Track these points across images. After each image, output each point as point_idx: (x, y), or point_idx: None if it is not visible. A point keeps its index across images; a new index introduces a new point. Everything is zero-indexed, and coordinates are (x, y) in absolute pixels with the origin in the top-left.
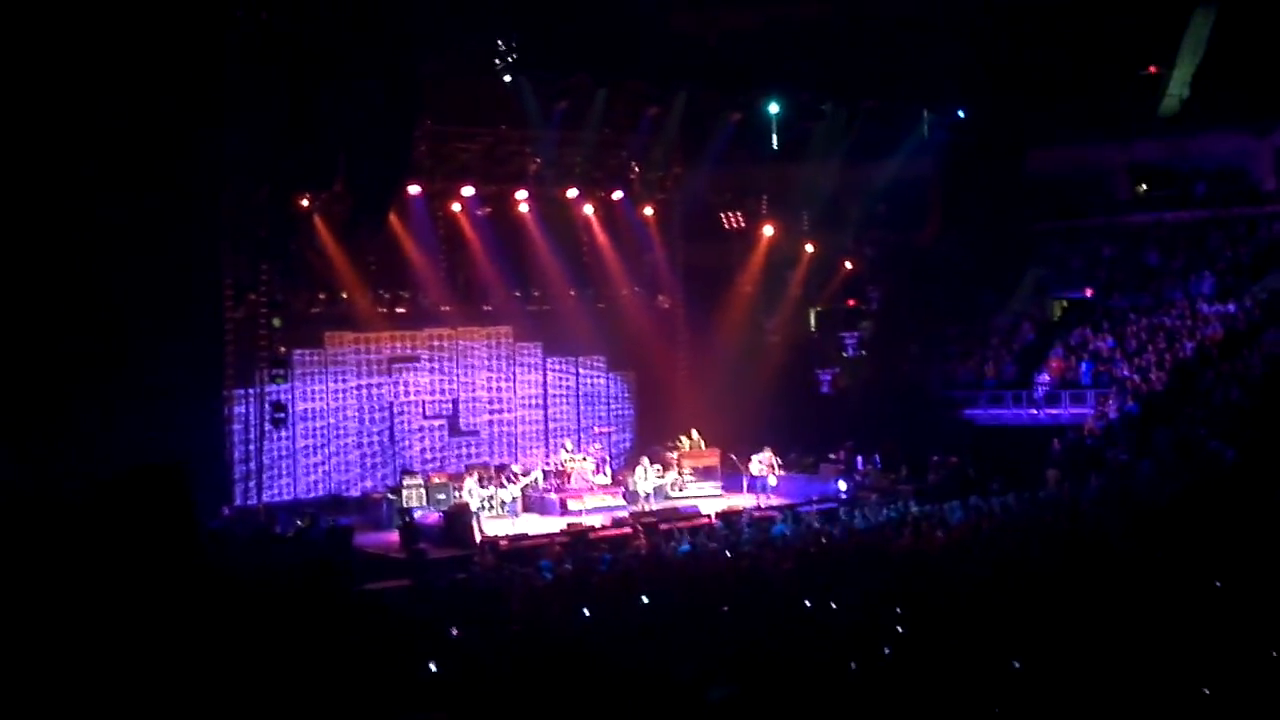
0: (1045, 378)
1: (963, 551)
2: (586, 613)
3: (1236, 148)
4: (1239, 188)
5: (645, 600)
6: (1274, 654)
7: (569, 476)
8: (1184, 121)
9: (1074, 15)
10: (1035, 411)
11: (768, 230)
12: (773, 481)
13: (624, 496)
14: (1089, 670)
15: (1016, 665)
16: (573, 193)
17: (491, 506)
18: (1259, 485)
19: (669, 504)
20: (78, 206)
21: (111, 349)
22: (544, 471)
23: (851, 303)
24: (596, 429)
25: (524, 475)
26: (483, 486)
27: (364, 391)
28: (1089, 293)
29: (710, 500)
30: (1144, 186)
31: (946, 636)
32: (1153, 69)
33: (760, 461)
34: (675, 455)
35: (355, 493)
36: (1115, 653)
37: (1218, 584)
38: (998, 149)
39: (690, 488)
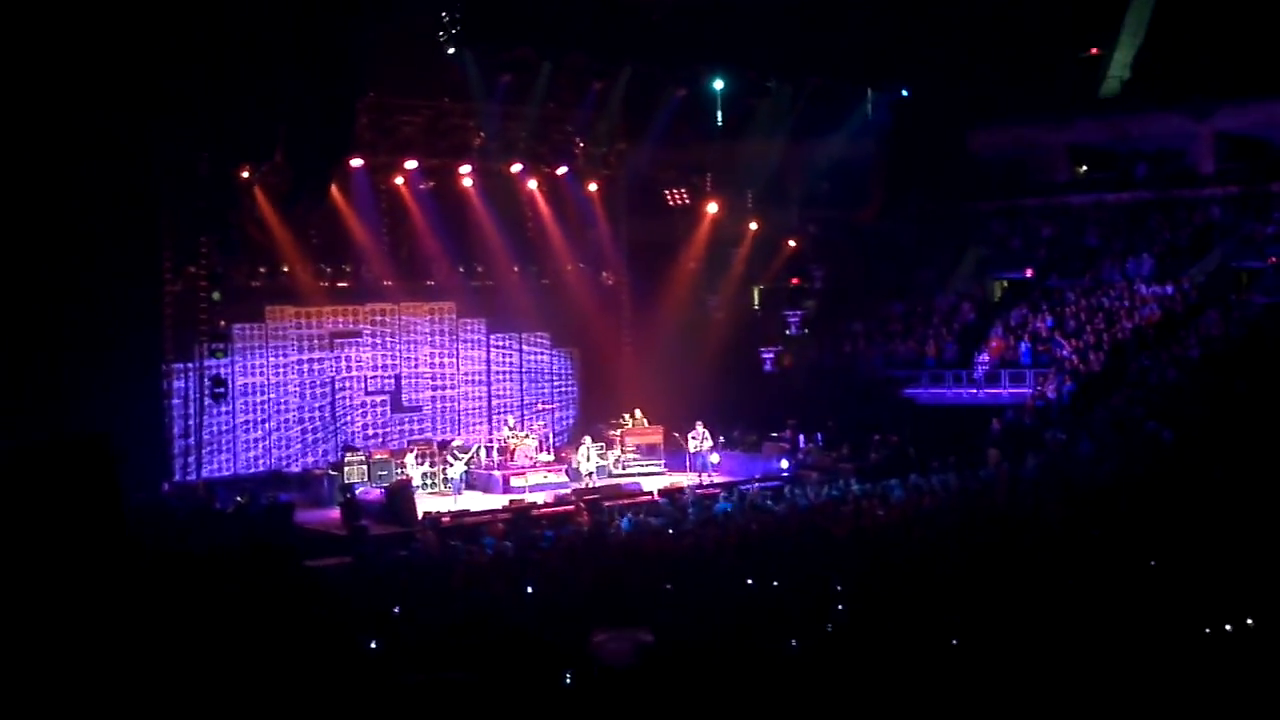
0: (985, 357)
1: (903, 530)
2: (529, 590)
3: (1176, 130)
4: (1178, 170)
5: (589, 578)
6: (1206, 631)
7: (512, 453)
8: (1124, 103)
9: None
10: (975, 391)
11: (712, 207)
12: (714, 459)
13: (567, 474)
14: (1026, 647)
15: (955, 642)
16: (517, 167)
17: (433, 483)
18: (1195, 466)
19: (612, 481)
20: (13, 178)
21: (47, 321)
22: (486, 448)
23: (795, 281)
24: (539, 406)
25: (466, 452)
26: (421, 463)
27: (305, 366)
28: (1029, 273)
29: (653, 478)
30: (1084, 168)
31: (886, 614)
32: (1094, 50)
33: (695, 438)
34: (619, 433)
35: (296, 469)
36: (1052, 630)
37: (1152, 563)
38: (940, 128)
39: (633, 465)
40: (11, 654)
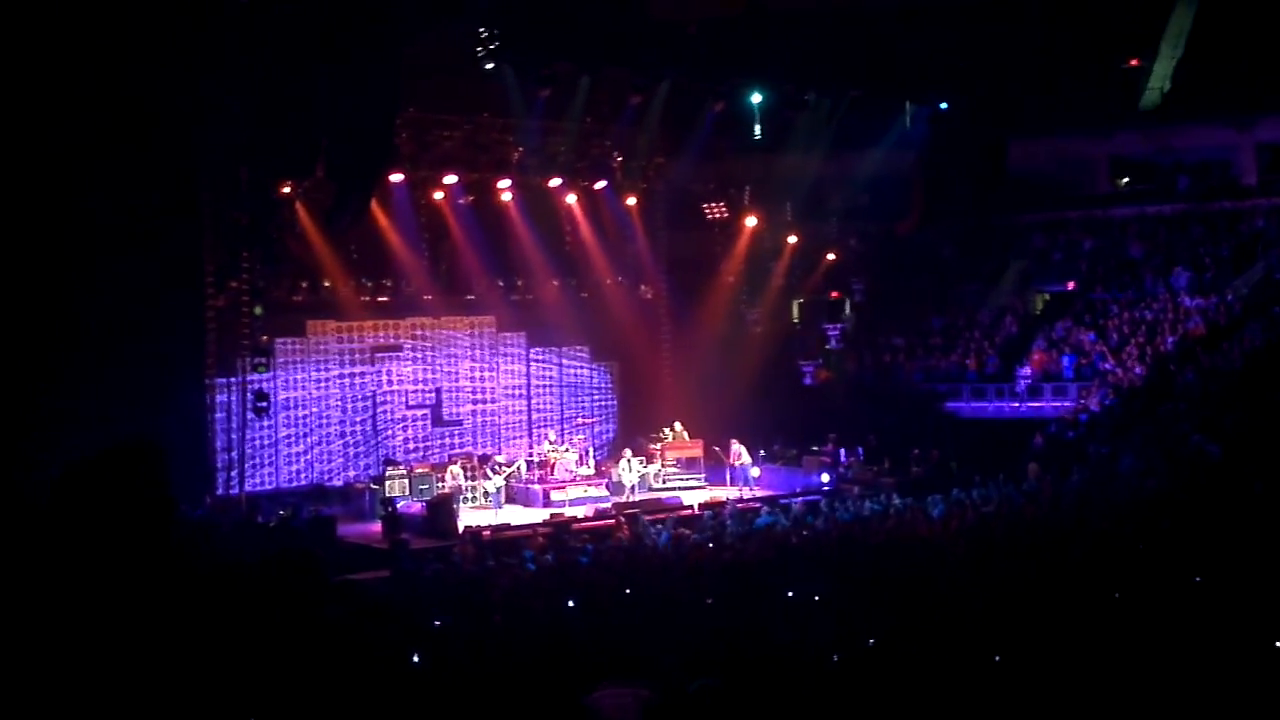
0: (1027, 370)
1: (944, 545)
2: (570, 604)
3: (1218, 141)
4: (1221, 182)
5: (628, 592)
6: (1256, 648)
7: (552, 467)
8: (1165, 115)
9: (1056, 8)
10: (1017, 405)
11: (750, 221)
12: (756, 473)
13: (607, 487)
14: (1071, 664)
15: (998, 659)
16: (555, 182)
17: (474, 497)
18: (1240, 480)
19: (652, 495)
20: (58, 194)
21: (92, 337)
22: (527, 462)
23: (834, 294)
24: (580, 420)
25: (507, 466)
26: (467, 476)
27: (346, 381)
28: (1071, 285)
29: (694, 492)
30: (1125, 180)
31: (928, 629)
32: (1134, 62)
33: (736, 452)
34: (659, 446)
35: (338, 482)
36: (1097, 647)
37: (1197, 579)
38: (980, 141)
39: (674, 479)
40: (56, 662)
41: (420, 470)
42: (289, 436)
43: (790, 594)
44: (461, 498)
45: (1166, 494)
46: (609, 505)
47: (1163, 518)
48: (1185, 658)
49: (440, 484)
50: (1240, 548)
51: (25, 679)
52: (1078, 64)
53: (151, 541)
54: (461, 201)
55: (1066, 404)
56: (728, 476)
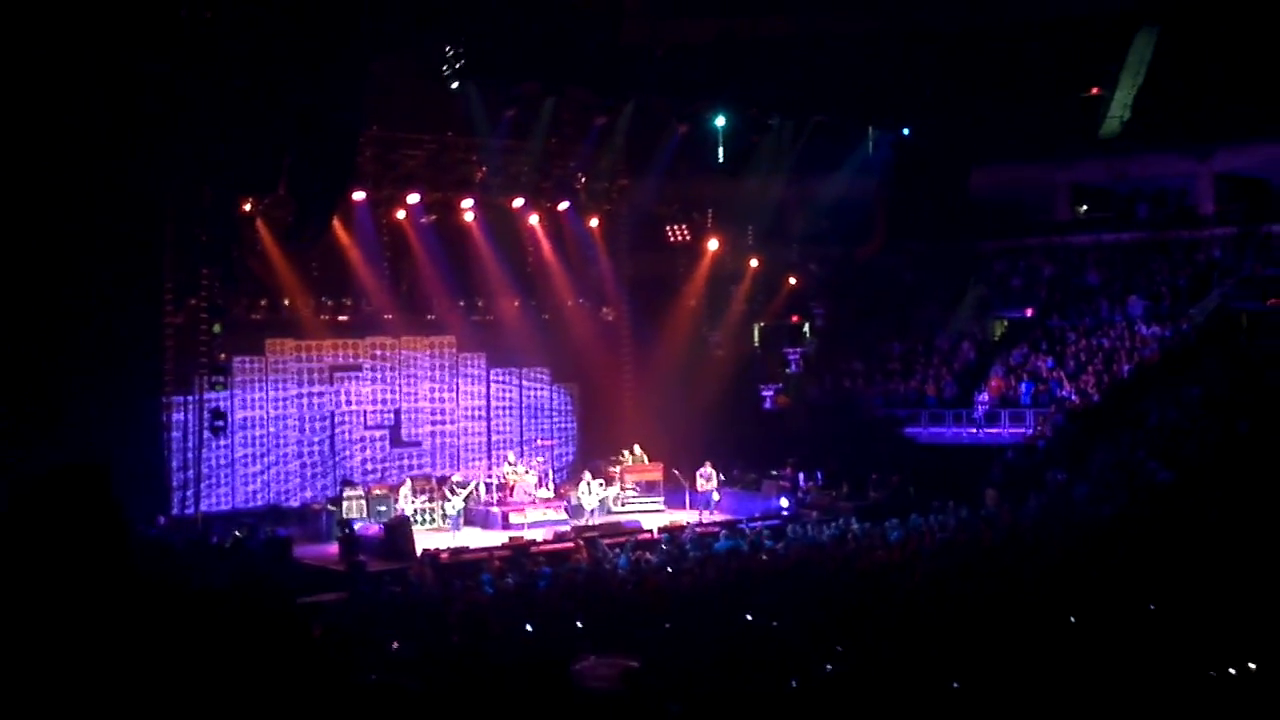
0: (985, 397)
1: (903, 569)
2: (529, 628)
3: (1177, 170)
4: (1178, 210)
5: (586, 616)
6: (1209, 674)
7: (511, 489)
8: (1125, 144)
9: (1017, 36)
10: (975, 430)
11: (713, 244)
12: (716, 497)
13: (566, 510)
14: (1027, 690)
15: (955, 685)
16: (518, 202)
17: (428, 518)
18: (1194, 507)
19: (611, 518)
20: (16, 208)
21: (50, 352)
22: (486, 484)
23: (795, 319)
24: (539, 441)
25: (462, 487)
26: (418, 497)
27: (305, 400)
28: (1029, 312)
29: (653, 515)
30: (1084, 207)
31: (886, 654)
32: (1095, 90)
33: (703, 477)
34: (618, 469)
35: (295, 503)
36: (1052, 672)
37: (1151, 606)
38: (942, 167)
39: (633, 502)
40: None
41: (378, 491)
42: (246, 456)
43: (749, 618)
44: (414, 519)
45: (1122, 520)
46: (568, 528)
47: (1118, 544)
48: (1138, 683)
49: (397, 505)
50: (1194, 575)
51: None
52: (1039, 92)
53: (105, 564)
54: (424, 220)
55: (1024, 430)
56: (687, 500)
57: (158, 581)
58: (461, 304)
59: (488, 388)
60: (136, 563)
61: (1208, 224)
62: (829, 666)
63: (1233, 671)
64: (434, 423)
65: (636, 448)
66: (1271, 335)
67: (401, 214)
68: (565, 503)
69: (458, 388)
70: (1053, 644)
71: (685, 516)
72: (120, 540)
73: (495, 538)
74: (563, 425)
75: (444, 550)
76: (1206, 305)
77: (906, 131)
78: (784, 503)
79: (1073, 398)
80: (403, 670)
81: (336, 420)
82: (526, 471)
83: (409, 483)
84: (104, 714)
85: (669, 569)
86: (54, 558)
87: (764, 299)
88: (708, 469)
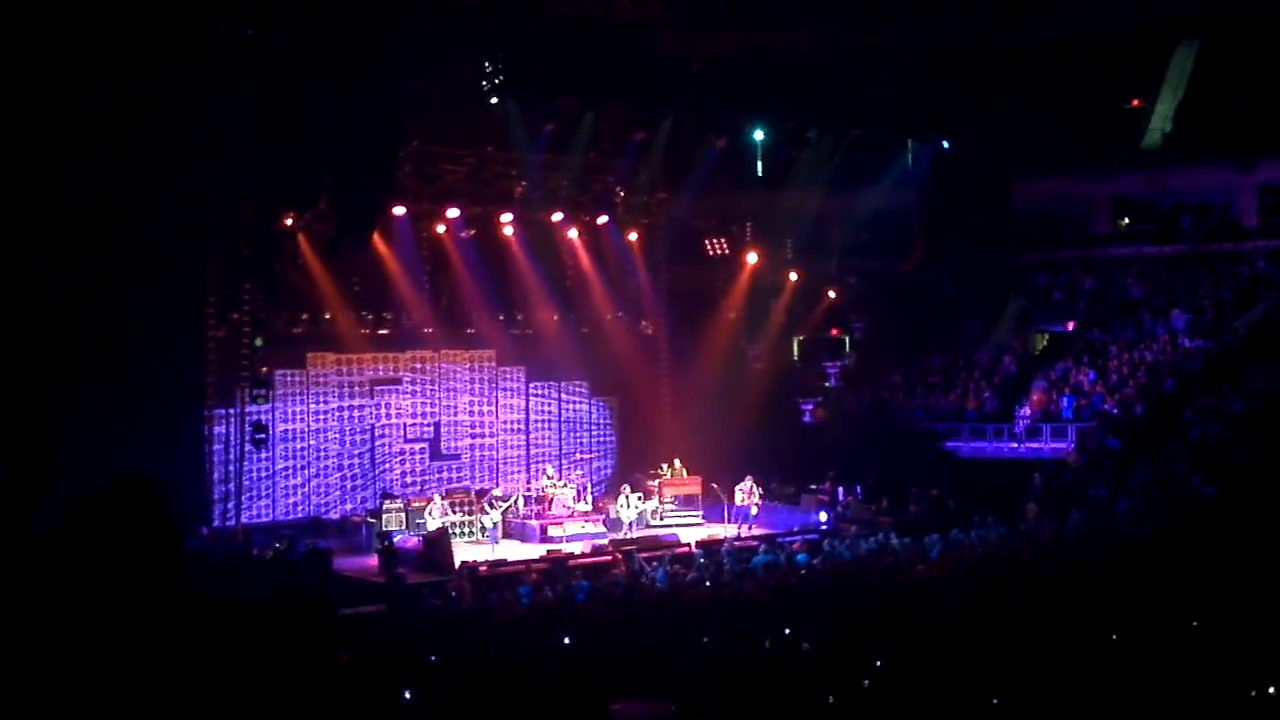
0: (1026, 410)
1: (942, 584)
2: (566, 640)
3: (1219, 183)
4: (1221, 223)
5: (625, 629)
6: (1250, 693)
7: (550, 503)
8: (1167, 156)
9: (1058, 49)
10: (1016, 445)
11: (751, 257)
12: (754, 511)
13: (605, 524)
14: (1068, 706)
15: (995, 701)
16: (557, 216)
17: (464, 532)
18: (1237, 522)
19: (649, 532)
20: (60, 223)
21: (92, 366)
22: (525, 497)
23: (834, 332)
24: (578, 455)
25: (503, 500)
26: (453, 511)
27: (345, 413)
28: (1071, 326)
29: (691, 529)
30: (1126, 220)
31: (925, 670)
32: (1136, 103)
33: (742, 491)
34: (657, 483)
35: (335, 515)
36: (1094, 689)
37: (1194, 623)
38: (982, 180)
39: (671, 516)
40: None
41: (417, 504)
42: (286, 469)
43: (787, 633)
44: (450, 532)
45: (1163, 536)
46: (606, 541)
47: (1159, 560)
48: (1180, 701)
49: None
50: (1237, 592)
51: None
52: (1080, 104)
53: (159, 577)
54: (463, 235)
55: (1066, 444)
56: (726, 514)
57: (199, 597)
58: (501, 318)
59: (527, 401)
60: (182, 579)
61: (1251, 236)
62: (866, 682)
63: (1274, 691)
64: (473, 436)
65: (676, 461)
66: None
67: (441, 228)
68: (604, 516)
69: (497, 401)
70: (1094, 660)
71: (724, 531)
72: (174, 554)
73: (533, 551)
74: (602, 439)
75: (482, 563)
76: (1250, 318)
77: (946, 144)
78: (823, 517)
79: (1115, 412)
80: (440, 682)
81: (376, 433)
82: (565, 485)
83: (436, 499)
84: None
85: (707, 583)
86: (111, 573)
87: (803, 312)
88: (747, 483)
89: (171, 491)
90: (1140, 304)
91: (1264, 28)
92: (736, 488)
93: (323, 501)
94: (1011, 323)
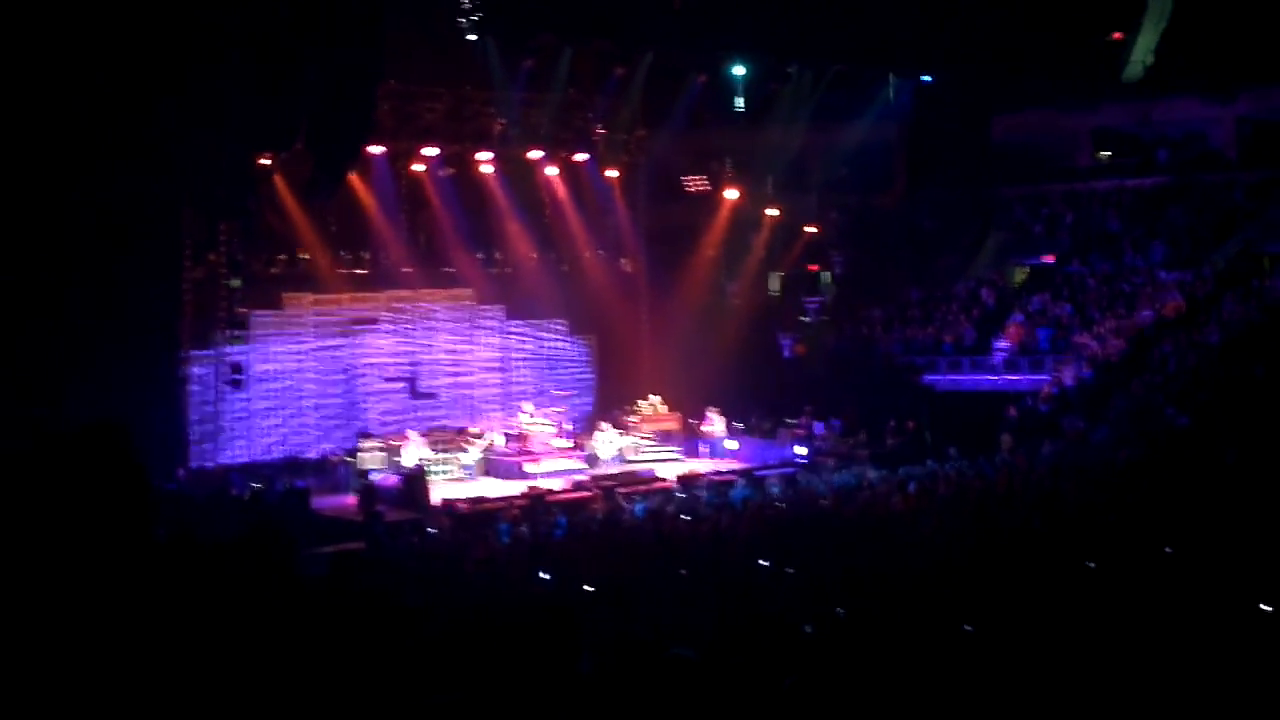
0: (1004, 344)
1: (918, 516)
2: (545, 576)
3: (1200, 115)
4: (1200, 154)
5: (604, 564)
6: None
7: (528, 440)
8: (1148, 88)
9: None
10: (994, 378)
11: (731, 194)
12: (732, 445)
13: (583, 460)
14: (1040, 635)
15: (969, 629)
16: (536, 154)
17: (439, 469)
18: (1210, 452)
19: (628, 468)
20: (34, 164)
21: (68, 307)
22: (504, 435)
23: (814, 268)
24: (557, 392)
25: (482, 438)
26: (435, 450)
27: (323, 353)
28: (1050, 259)
29: (670, 464)
30: (1107, 153)
31: (900, 600)
32: (1118, 35)
33: (708, 424)
34: (635, 419)
35: (313, 455)
36: (1066, 616)
37: (1168, 549)
38: (963, 114)
39: (650, 452)
40: (23, 645)
41: (395, 443)
42: (264, 409)
43: (764, 565)
44: (428, 470)
45: (1138, 465)
46: (585, 478)
47: (1134, 489)
48: (1156, 627)
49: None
50: (1211, 517)
51: None
52: (1061, 37)
53: (126, 521)
54: (442, 174)
55: (1043, 377)
56: (698, 448)
57: (176, 536)
58: (479, 256)
59: (506, 339)
60: (156, 519)
61: (1231, 168)
62: (841, 611)
63: (1262, 609)
64: (451, 374)
65: (654, 397)
66: None
67: (419, 167)
68: (582, 453)
69: (475, 340)
70: (1067, 587)
71: (701, 465)
72: (141, 497)
73: (513, 488)
74: (580, 376)
75: (462, 500)
76: (1228, 250)
77: (928, 78)
78: (800, 450)
79: (1092, 345)
80: (418, 619)
81: (354, 373)
82: (544, 422)
83: (413, 435)
84: (113, 661)
85: (685, 517)
86: (75, 512)
87: (783, 248)
88: (711, 414)
89: (143, 435)
90: (1120, 236)
91: None
92: (701, 421)
93: (301, 441)
94: (991, 256)
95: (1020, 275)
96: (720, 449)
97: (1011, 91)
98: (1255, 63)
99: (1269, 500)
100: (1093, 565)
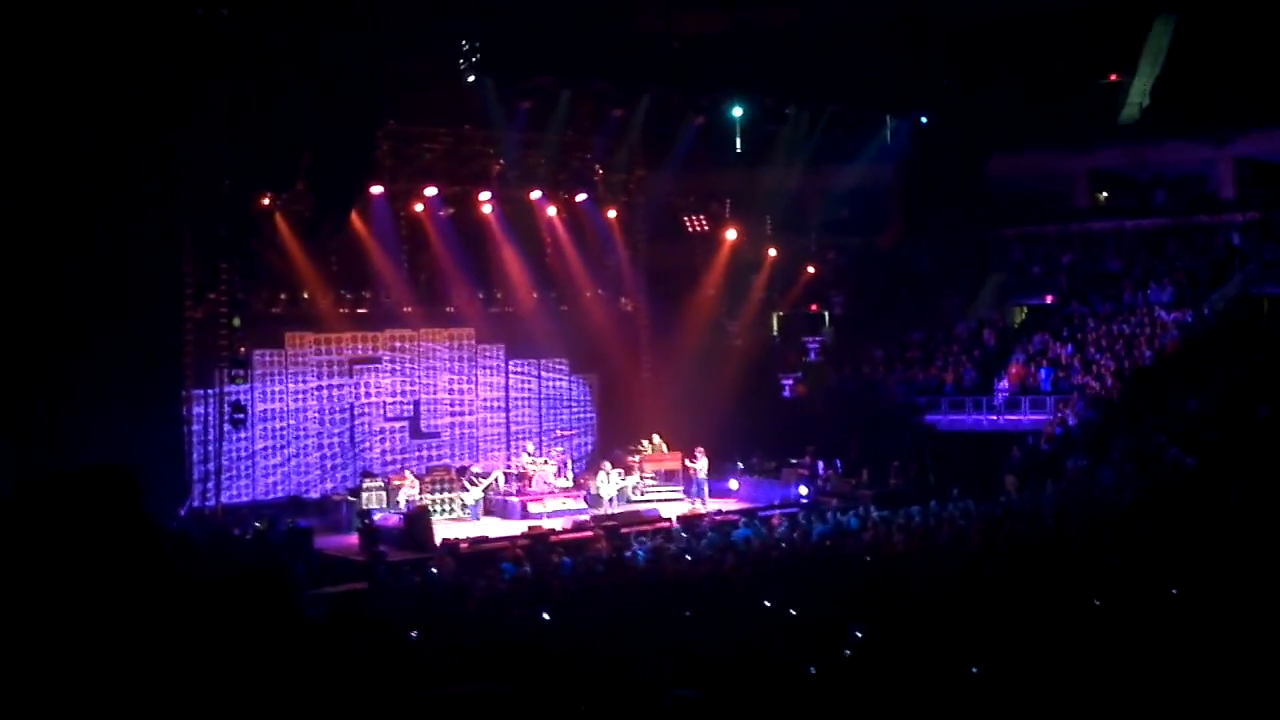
0: (1005, 384)
1: (922, 557)
2: (546, 616)
3: (1196, 156)
4: (1198, 196)
5: (607, 604)
6: (1227, 661)
7: (530, 479)
8: (1144, 130)
9: (1036, 24)
10: (995, 418)
11: (731, 234)
12: (734, 485)
13: (585, 500)
14: (1046, 676)
15: (975, 670)
16: (536, 194)
17: (447, 509)
18: (1216, 493)
19: (630, 508)
20: (37, 203)
21: (69, 347)
22: (505, 474)
23: (814, 308)
24: (558, 432)
25: (483, 477)
26: (433, 489)
27: (324, 392)
28: (1049, 299)
29: (672, 504)
30: (1104, 194)
31: (905, 641)
32: (1114, 77)
33: (693, 463)
34: (637, 459)
35: (315, 495)
36: (1072, 658)
37: (1174, 591)
38: (961, 155)
39: (652, 491)
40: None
41: (397, 482)
42: (266, 448)
43: (768, 606)
44: (430, 510)
45: (1142, 506)
46: (587, 517)
47: (1138, 530)
48: (1161, 667)
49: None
50: (1215, 559)
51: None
52: (1058, 79)
53: (133, 562)
54: (442, 213)
55: (1045, 417)
56: (692, 488)
57: (179, 575)
58: (480, 296)
59: (507, 379)
60: (164, 560)
61: (1228, 209)
62: (847, 653)
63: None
64: (453, 414)
65: (656, 437)
66: None
67: (419, 207)
68: (584, 492)
69: (476, 379)
70: (1074, 628)
71: (694, 506)
72: (148, 542)
73: (515, 527)
74: (582, 415)
75: (464, 540)
76: (1228, 291)
77: (925, 120)
78: (803, 491)
79: (1093, 384)
80: (421, 659)
81: (356, 412)
82: (545, 461)
83: (408, 475)
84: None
85: (688, 557)
86: (78, 554)
87: (783, 288)
88: (698, 452)
89: (145, 474)
90: (1119, 277)
91: (1240, 1)
92: (691, 460)
93: (303, 481)
94: (990, 297)
95: (1020, 315)
96: (700, 488)
97: (1008, 133)
98: (1252, 105)
99: (1273, 541)
100: (1096, 605)
